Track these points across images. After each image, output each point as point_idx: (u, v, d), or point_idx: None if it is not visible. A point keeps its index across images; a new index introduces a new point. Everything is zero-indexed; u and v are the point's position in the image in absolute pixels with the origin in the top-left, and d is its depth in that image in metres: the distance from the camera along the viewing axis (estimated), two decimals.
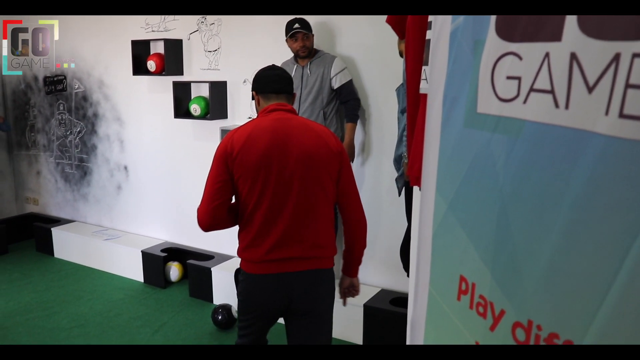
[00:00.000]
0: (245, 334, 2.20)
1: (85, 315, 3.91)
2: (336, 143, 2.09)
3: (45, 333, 3.63)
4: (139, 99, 4.72)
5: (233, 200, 2.12)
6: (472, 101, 1.00)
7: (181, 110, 4.30)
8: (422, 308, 1.19)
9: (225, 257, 4.20)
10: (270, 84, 2.10)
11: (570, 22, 0.77)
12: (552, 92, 0.80)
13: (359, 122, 3.56)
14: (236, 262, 2.42)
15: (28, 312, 3.95)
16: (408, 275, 3.05)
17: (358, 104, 3.52)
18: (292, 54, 3.55)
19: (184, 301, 4.14)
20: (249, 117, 4.05)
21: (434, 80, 1.18)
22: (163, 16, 4.40)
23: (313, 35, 3.45)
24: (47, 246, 5.19)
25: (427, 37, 1.47)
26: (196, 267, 4.16)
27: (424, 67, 1.52)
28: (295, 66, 3.53)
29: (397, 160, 2.95)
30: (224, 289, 3.93)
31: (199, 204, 2.08)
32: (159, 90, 4.55)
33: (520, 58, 0.88)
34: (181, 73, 4.38)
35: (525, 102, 0.86)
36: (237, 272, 2.20)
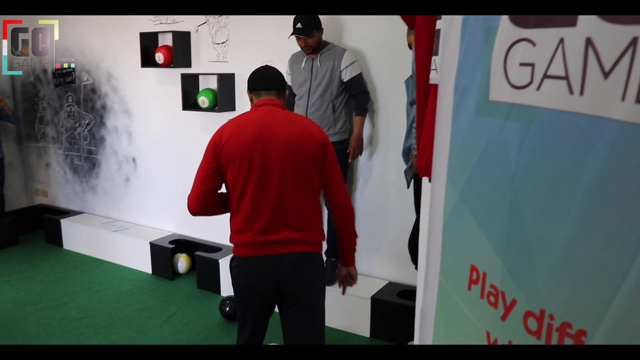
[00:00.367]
0: (243, 324, 2.28)
1: (94, 305, 3.94)
2: (320, 134, 2.19)
3: (54, 323, 3.66)
4: (147, 91, 4.72)
5: (223, 190, 2.22)
6: (484, 89, 0.98)
7: (189, 102, 4.30)
8: (432, 298, 1.18)
9: None
10: (261, 81, 2.25)
11: None
12: (566, 78, 0.79)
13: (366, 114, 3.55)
14: None
15: (38, 303, 3.98)
16: (416, 268, 3.04)
17: (367, 97, 3.51)
18: None
19: (191, 293, 4.16)
20: None
21: (445, 69, 1.17)
22: None
23: (319, 32, 3.42)
24: (56, 237, 5.22)
25: (437, 27, 1.45)
26: (204, 259, 4.17)
27: (434, 57, 1.50)
28: (305, 58, 3.52)
29: (406, 153, 2.94)
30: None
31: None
32: (167, 83, 4.55)
33: (533, 44, 0.86)
34: (189, 65, 4.37)
35: (538, 88, 0.85)
36: (232, 261, 2.26)
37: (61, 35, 5.11)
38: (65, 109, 5.38)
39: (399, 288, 3.53)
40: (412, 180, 2.95)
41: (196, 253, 4.26)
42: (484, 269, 0.99)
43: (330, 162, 2.19)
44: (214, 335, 3.48)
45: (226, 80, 4.13)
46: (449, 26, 1.14)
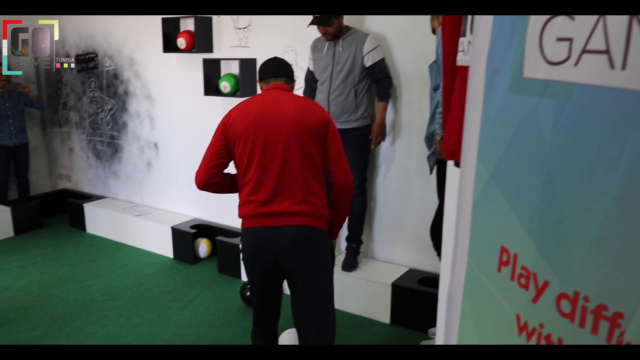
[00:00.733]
0: (252, 298, 2.42)
1: (117, 289, 3.99)
2: (323, 113, 2.28)
3: (79, 305, 3.72)
4: (169, 76, 4.74)
5: (232, 171, 2.33)
6: (518, 66, 0.96)
7: (211, 87, 4.31)
8: (460, 280, 1.16)
9: None
10: (270, 69, 2.36)
11: None
12: (607, 52, 0.76)
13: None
14: None
15: (62, 285, 4.05)
16: (438, 255, 3.02)
17: (390, 82, 3.47)
18: None
19: (212, 277, 4.19)
20: None
21: (476, 49, 1.14)
22: None
23: (338, 19, 3.38)
24: (79, 221, 5.30)
25: None
26: (225, 243, 4.20)
27: (461, 39, 1.48)
28: (327, 43, 3.49)
29: (429, 138, 2.91)
30: None
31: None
32: (188, 68, 4.56)
33: (572, 18, 0.84)
34: (211, 50, 4.37)
35: (576, 64, 0.82)
36: (240, 235, 2.34)
37: (83, 22, 5.15)
38: (88, 94, 5.43)
39: (420, 275, 3.51)
40: (435, 167, 2.92)
41: (217, 238, 4.29)
42: (514, 250, 0.97)
43: (332, 140, 2.26)
44: (235, 319, 3.51)
45: (248, 66, 4.12)
46: None
